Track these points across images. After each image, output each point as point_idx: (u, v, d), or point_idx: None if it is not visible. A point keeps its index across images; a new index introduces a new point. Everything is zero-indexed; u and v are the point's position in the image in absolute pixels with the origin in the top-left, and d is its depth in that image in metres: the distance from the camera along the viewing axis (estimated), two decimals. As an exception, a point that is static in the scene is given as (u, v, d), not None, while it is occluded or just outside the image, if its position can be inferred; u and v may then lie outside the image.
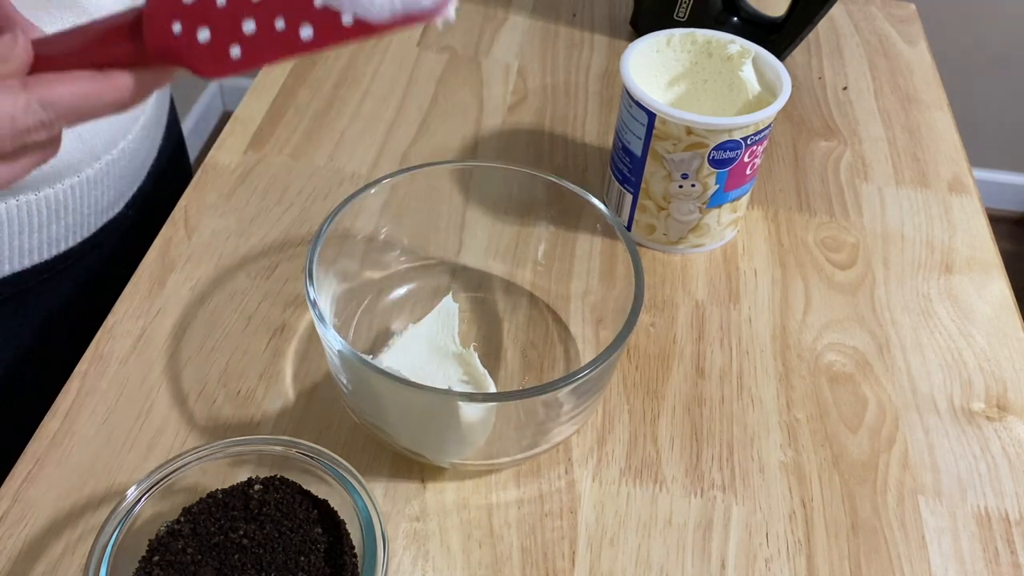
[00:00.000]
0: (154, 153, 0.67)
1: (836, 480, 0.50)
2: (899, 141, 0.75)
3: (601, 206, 0.52)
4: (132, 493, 0.40)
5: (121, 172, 0.60)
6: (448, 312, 0.55)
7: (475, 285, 0.59)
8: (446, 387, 0.48)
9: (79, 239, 0.59)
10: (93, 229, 0.60)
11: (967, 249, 0.66)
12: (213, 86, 2.13)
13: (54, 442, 0.49)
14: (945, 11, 1.80)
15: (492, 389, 0.51)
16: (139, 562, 0.40)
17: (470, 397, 0.45)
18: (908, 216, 0.68)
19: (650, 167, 0.60)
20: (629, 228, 0.64)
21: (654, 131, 0.58)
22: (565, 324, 0.57)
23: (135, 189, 0.64)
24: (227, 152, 0.69)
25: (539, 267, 0.59)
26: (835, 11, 0.91)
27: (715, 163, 0.58)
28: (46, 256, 0.57)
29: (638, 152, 0.60)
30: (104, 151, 0.57)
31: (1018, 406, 0.55)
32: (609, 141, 0.73)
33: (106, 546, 0.38)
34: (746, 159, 0.59)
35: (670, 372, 0.55)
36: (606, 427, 0.52)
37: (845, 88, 0.81)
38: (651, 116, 0.57)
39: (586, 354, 0.54)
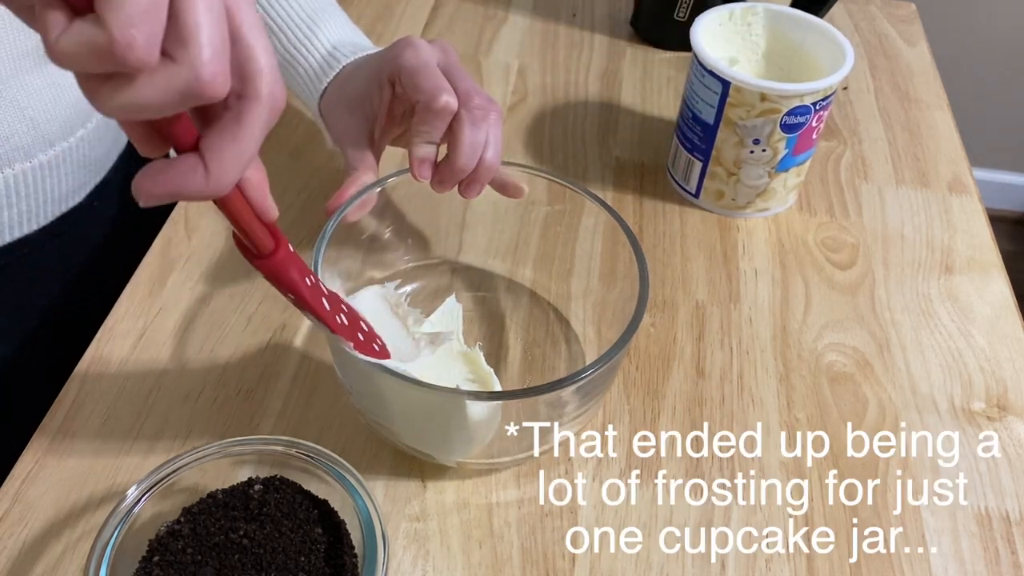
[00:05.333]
0: (119, 146, 0.66)
1: (836, 480, 0.50)
2: (899, 141, 0.75)
3: (601, 205, 0.52)
4: (132, 493, 0.40)
5: (80, 161, 0.60)
6: (452, 311, 0.55)
7: (477, 284, 0.59)
8: (452, 386, 0.48)
9: (35, 226, 0.58)
10: (51, 217, 0.59)
11: (967, 249, 0.66)
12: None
13: (54, 442, 0.49)
14: (945, 11, 1.80)
15: (497, 388, 0.51)
16: (139, 562, 0.40)
17: (477, 396, 0.45)
18: (908, 216, 0.68)
19: (722, 134, 0.63)
20: (697, 195, 0.67)
21: (728, 99, 0.61)
22: (567, 323, 0.57)
23: (99, 180, 0.63)
24: (227, 152, 0.68)
25: (540, 266, 0.59)
26: (835, 11, 0.91)
27: (786, 128, 0.61)
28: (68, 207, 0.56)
29: (710, 120, 0.62)
30: (59, 138, 0.56)
31: (1018, 406, 0.55)
32: (607, 140, 0.73)
33: (106, 546, 0.38)
34: (814, 123, 0.62)
35: (670, 372, 0.55)
36: (606, 427, 0.52)
37: (845, 88, 0.81)
38: (725, 84, 0.60)
39: (588, 353, 0.54)
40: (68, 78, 0.57)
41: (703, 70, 0.62)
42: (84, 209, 0.62)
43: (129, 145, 0.67)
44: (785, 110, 0.60)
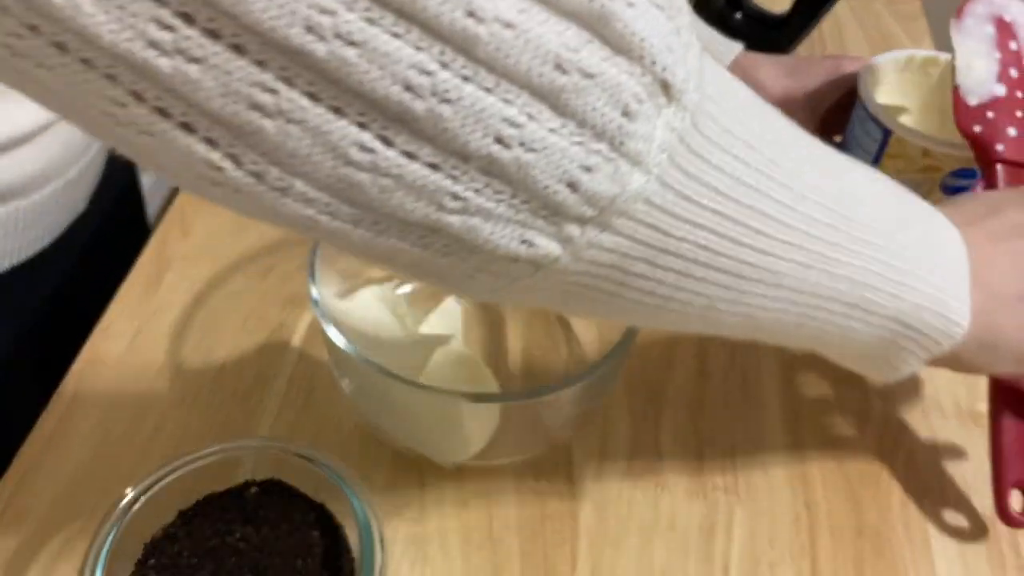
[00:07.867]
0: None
1: (840, 483, 0.50)
2: (903, 139, 0.75)
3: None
4: (128, 495, 0.40)
5: (96, 171, 0.60)
6: (452, 311, 0.55)
7: (475, 284, 0.58)
8: (450, 387, 0.48)
9: (54, 237, 0.58)
10: (64, 227, 0.59)
11: (972, 248, 0.65)
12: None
13: (50, 444, 0.49)
14: (950, 8, 1.79)
15: (495, 390, 0.50)
16: (135, 565, 0.40)
17: (476, 397, 0.44)
18: (912, 215, 0.68)
19: None
20: None
21: (887, 149, 0.55)
22: (567, 323, 0.56)
23: (99, 181, 0.63)
24: (225, 150, 0.68)
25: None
26: (839, 8, 0.90)
27: (947, 190, 0.55)
28: (23, 257, 0.56)
29: None
30: (83, 153, 0.57)
31: None
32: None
33: (101, 549, 0.38)
34: (978, 190, 0.54)
35: (672, 373, 0.55)
36: (608, 429, 0.51)
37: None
38: (886, 133, 0.55)
39: (589, 354, 0.54)
40: None
41: (866, 114, 0.56)
42: (86, 214, 0.62)
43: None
44: (948, 171, 0.54)
